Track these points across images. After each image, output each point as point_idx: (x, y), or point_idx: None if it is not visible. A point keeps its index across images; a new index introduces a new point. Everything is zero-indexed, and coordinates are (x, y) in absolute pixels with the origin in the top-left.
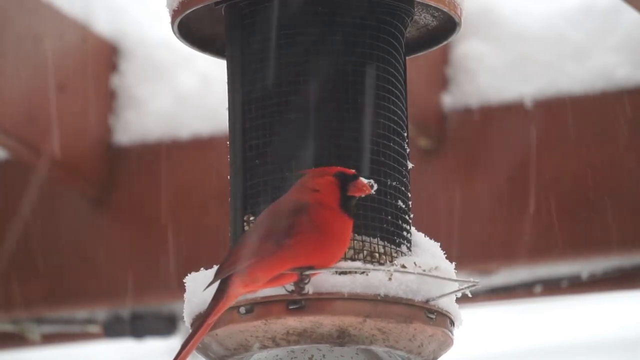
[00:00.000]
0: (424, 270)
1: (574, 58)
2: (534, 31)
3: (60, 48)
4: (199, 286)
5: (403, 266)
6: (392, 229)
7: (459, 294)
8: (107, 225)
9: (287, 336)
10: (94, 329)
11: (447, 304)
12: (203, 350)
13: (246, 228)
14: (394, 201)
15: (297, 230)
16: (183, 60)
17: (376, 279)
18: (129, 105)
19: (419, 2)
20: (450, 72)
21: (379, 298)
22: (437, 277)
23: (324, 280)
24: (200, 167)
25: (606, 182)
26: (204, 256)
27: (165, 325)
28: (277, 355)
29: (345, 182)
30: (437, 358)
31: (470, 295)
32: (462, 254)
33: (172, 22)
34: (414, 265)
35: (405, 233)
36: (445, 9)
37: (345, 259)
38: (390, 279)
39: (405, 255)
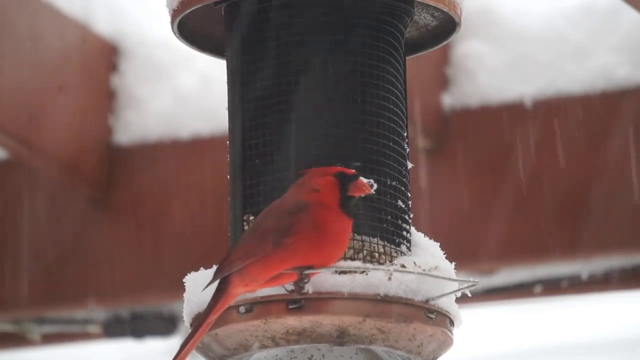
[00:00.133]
0: (424, 270)
1: (574, 58)
2: (534, 31)
3: (60, 48)
4: (198, 286)
5: (403, 266)
6: (392, 228)
7: (459, 294)
8: (107, 225)
9: (286, 336)
10: (94, 329)
11: (447, 303)
12: (203, 350)
13: (246, 228)
14: (393, 201)
15: (296, 229)
16: (183, 60)
17: (376, 279)
18: (129, 105)
19: (418, 2)
20: (450, 72)
21: (378, 298)
22: (436, 276)
23: (324, 279)
24: (200, 167)
25: (606, 182)
26: (203, 256)
27: (165, 325)
28: (276, 355)
29: (345, 182)
30: (436, 358)
31: (470, 295)
32: (462, 254)
33: (172, 22)
34: (413, 265)
35: (405, 233)
36: (445, 9)
37: (345, 258)
38: (390, 278)
39: (405, 255)
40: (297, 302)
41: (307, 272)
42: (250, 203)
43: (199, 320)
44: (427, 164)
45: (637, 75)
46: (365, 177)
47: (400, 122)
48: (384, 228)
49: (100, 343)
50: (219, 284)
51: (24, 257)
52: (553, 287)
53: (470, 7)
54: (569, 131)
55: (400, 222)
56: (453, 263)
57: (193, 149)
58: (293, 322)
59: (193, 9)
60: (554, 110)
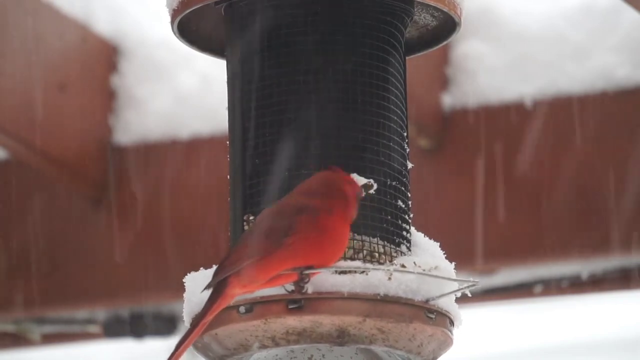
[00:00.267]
0: (424, 270)
1: (574, 58)
2: (534, 31)
3: (60, 48)
4: (198, 286)
5: (403, 266)
6: (392, 228)
7: (459, 294)
8: (107, 225)
9: (286, 336)
10: (94, 329)
11: (447, 303)
12: (203, 350)
13: (246, 228)
14: (393, 201)
15: (296, 229)
16: (183, 60)
17: (376, 279)
18: (129, 105)
19: (418, 2)
20: (450, 72)
21: (378, 298)
22: (436, 276)
23: (324, 279)
24: (200, 167)
25: (606, 181)
26: (203, 256)
27: (165, 325)
28: (276, 355)
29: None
30: (436, 358)
31: (470, 295)
32: (462, 254)
33: (172, 22)
34: (413, 264)
35: (405, 233)
36: (445, 9)
37: (345, 258)
38: (389, 278)
39: (405, 255)
40: (297, 302)
41: (307, 272)
42: (250, 203)
43: (195, 320)
44: (427, 164)
45: (637, 75)
46: (365, 177)
47: (400, 122)
48: (384, 228)
49: (100, 343)
50: (217, 284)
51: (24, 257)
52: (553, 287)
53: (470, 7)
54: (569, 131)
55: (400, 222)
56: (453, 263)
57: (193, 149)
58: (293, 322)
59: (193, 8)
60: (554, 110)
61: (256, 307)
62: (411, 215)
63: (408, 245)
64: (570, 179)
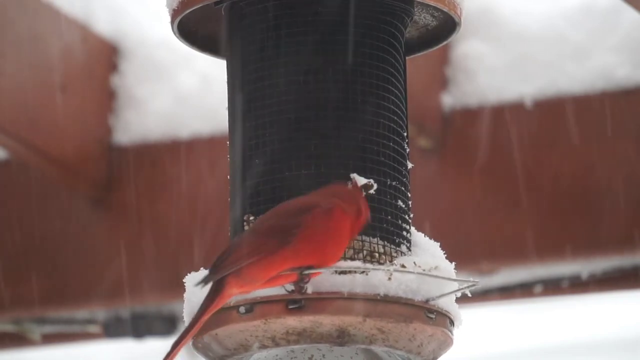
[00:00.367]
0: (424, 270)
1: (574, 58)
2: (534, 31)
3: (60, 48)
4: (198, 286)
5: (403, 266)
6: (392, 228)
7: (459, 294)
8: (107, 225)
9: (286, 336)
10: (94, 329)
11: (447, 303)
12: (203, 351)
13: (246, 228)
14: (393, 201)
15: (303, 227)
16: (183, 60)
17: (376, 279)
18: (129, 105)
19: (418, 2)
20: (450, 72)
21: (378, 298)
22: (436, 276)
23: (324, 279)
24: (200, 167)
25: (606, 182)
26: (203, 256)
27: (165, 325)
28: (276, 355)
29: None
30: (436, 358)
31: (470, 295)
32: (462, 254)
33: (172, 22)
34: (413, 265)
35: (405, 233)
36: (445, 9)
37: (345, 258)
38: (390, 278)
39: (405, 255)
40: (297, 302)
41: (307, 272)
42: (250, 203)
43: (192, 320)
44: (427, 164)
45: (637, 75)
46: (365, 177)
47: (400, 122)
48: (384, 228)
49: (100, 343)
50: (214, 284)
51: (24, 257)
52: (553, 287)
53: (470, 7)
54: (569, 131)
55: (400, 222)
56: (453, 263)
57: (193, 149)
58: (293, 322)
59: (193, 9)
60: (554, 110)
61: (256, 307)
62: (411, 215)
63: (408, 245)
64: (570, 178)
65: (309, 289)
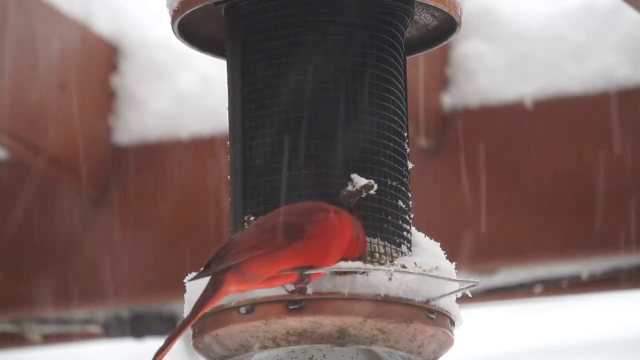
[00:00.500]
0: (424, 270)
1: (574, 58)
2: (534, 31)
3: (60, 48)
4: (199, 286)
5: (403, 266)
6: (393, 229)
7: (459, 294)
8: (107, 225)
9: (287, 336)
10: (94, 329)
11: (448, 303)
12: (204, 351)
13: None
14: (394, 201)
15: (315, 225)
16: (183, 60)
17: (376, 279)
18: (129, 105)
19: (419, 2)
20: (450, 72)
21: (379, 298)
22: (437, 277)
23: (324, 280)
24: (200, 167)
25: (606, 182)
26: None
27: (165, 325)
28: (277, 356)
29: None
30: (437, 358)
31: (470, 295)
32: (462, 254)
33: (172, 22)
34: (414, 265)
35: (405, 233)
36: (445, 9)
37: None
38: (390, 279)
39: (406, 255)
40: (297, 303)
41: (307, 272)
42: (250, 203)
43: (188, 315)
44: (427, 164)
45: (637, 75)
46: (366, 178)
47: (401, 122)
48: (384, 228)
49: (100, 343)
50: (212, 280)
51: (23, 256)
52: (553, 287)
53: (470, 7)
54: (569, 131)
55: (400, 222)
56: (454, 263)
57: (193, 149)
58: (294, 322)
59: (193, 9)
60: (554, 110)
61: (257, 308)
62: (412, 216)
63: (409, 245)
64: (570, 178)
65: (310, 289)
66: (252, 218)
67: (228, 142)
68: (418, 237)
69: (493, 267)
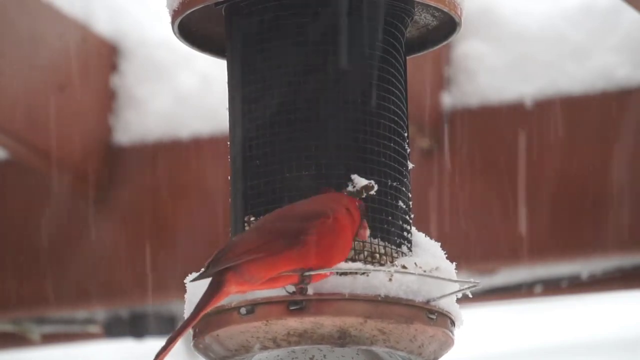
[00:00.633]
0: (425, 271)
1: (574, 58)
2: (534, 31)
3: (60, 48)
4: (199, 286)
5: (404, 267)
6: (393, 229)
7: (460, 295)
8: (107, 225)
9: (287, 337)
10: (94, 329)
11: (448, 304)
12: (204, 351)
13: (247, 228)
14: (394, 201)
15: (311, 233)
16: (183, 60)
17: (377, 280)
18: (129, 105)
19: (419, 2)
20: (450, 72)
21: (379, 299)
22: (437, 277)
23: (325, 281)
24: (200, 167)
25: (606, 182)
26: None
27: (165, 325)
28: (277, 356)
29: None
30: (437, 358)
31: (470, 295)
32: (462, 254)
33: (173, 23)
34: (414, 265)
35: (405, 233)
36: (446, 9)
37: (346, 259)
38: (390, 279)
39: (406, 255)
40: (298, 304)
41: (307, 274)
42: (251, 204)
43: (189, 316)
44: (427, 164)
45: (637, 75)
46: (366, 178)
47: (401, 122)
48: (384, 229)
49: (100, 343)
50: (213, 281)
51: (23, 256)
52: (553, 287)
53: (470, 7)
54: (569, 131)
55: (401, 222)
56: (454, 263)
57: (193, 149)
58: (294, 323)
59: (194, 9)
60: (554, 110)
61: (257, 309)
62: (412, 216)
63: (409, 245)
64: (570, 178)
65: (310, 290)
66: (252, 219)
67: (228, 142)
68: (418, 237)
69: (493, 267)
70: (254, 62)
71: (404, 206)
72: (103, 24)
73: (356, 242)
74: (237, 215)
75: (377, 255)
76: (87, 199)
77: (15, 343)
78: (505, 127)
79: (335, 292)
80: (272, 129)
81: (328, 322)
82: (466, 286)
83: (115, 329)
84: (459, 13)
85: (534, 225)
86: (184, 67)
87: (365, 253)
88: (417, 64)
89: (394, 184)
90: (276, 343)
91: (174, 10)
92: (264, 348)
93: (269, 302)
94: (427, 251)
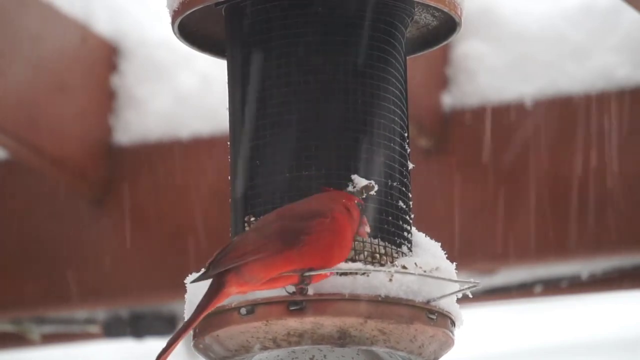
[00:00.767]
0: (425, 271)
1: (574, 58)
2: (534, 31)
3: (60, 48)
4: (199, 286)
5: (404, 267)
6: (393, 229)
7: (460, 295)
8: (107, 225)
9: (288, 337)
10: (94, 329)
11: (448, 304)
12: (204, 352)
13: (247, 228)
14: (394, 202)
15: (312, 231)
16: (183, 60)
17: (377, 280)
18: (129, 105)
19: (419, 2)
20: (450, 72)
21: (379, 299)
22: (437, 278)
23: (325, 281)
24: (200, 167)
25: (606, 182)
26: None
27: (165, 325)
28: (278, 356)
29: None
30: (438, 358)
31: (470, 295)
32: (462, 254)
33: (173, 23)
34: (414, 265)
35: (406, 233)
36: (446, 9)
37: (347, 260)
38: (391, 279)
39: (406, 255)
40: (298, 304)
41: (307, 274)
42: (251, 204)
43: (190, 317)
44: (427, 164)
45: (637, 75)
46: (366, 178)
47: (401, 122)
48: (385, 229)
49: (100, 343)
50: (214, 282)
51: (23, 257)
52: (553, 287)
53: (470, 7)
54: (569, 131)
55: (401, 222)
56: (454, 263)
57: (193, 149)
58: (294, 323)
59: (194, 9)
60: (554, 110)
61: (257, 309)
62: (412, 216)
63: (409, 245)
64: (570, 178)
65: (310, 290)
66: (252, 219)
67: (228, 142)
68: (418, 237)
69: (493, 267)
70: (254, 62)
71: (404, 206)
72: (103, 24)
73: (356, 242)
74: (237, 216)
75: (378, 256)
76: (87, 199)
77: (15, 343)
78: (505, 127)
79: (336, 293)
80: (272, 129)
81: (328, 323)
82: (466, 286)
83: (115, 329)
84: (459, 13)
85: (534, 225)
86: (184, 67)
87: (366, 253)
88: (417, 64)
89: (394, 184)
90: (276, 343)
91: (174, 10)
92: (264, 348)
93: (269, 302)
94: (427, 251)
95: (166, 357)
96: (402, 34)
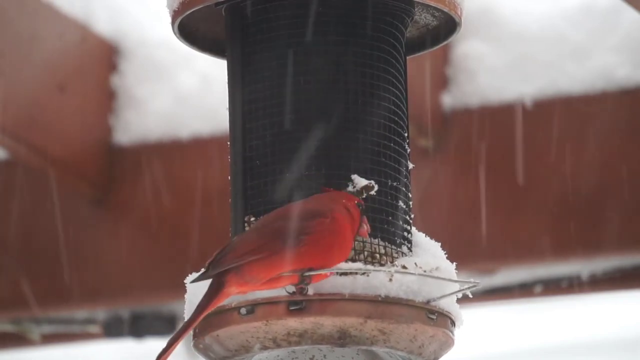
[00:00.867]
0: (425, 271)
1: (574, 58)
2: (534, 31)
3: (60, 48)
4: (199, 286)
5: (404, 267)
6: (393, 229)
7: (460, 295)
8: (107, 225)
9: (288, 337)
10: (94, 329)
11: (448, 304)
12: (204, 351)
13: (247, 228)
14: (394, 201)
15: (312, 231)
16: (183, 60)
17: (377, 280)
18: (129, 105)
19: (419, 2)
20: (450, 72)
21: (379, 299)
22: (437, 278)
23: (325, 281)
24: (200, 167)
25: (606, 181)
26: (204, 256)
27: (165, 325)
28: (278, 356)
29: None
30: (437, 358)
31: (470, 295)
32: (462, 254)
33: (173, 23)
34: (414, 265)
35: (406, 233)
36: (446, 9)
37: (347, 260)
38: (390, 279)
39: (406, 255)
40: (298, 304)
41: (307, 274)
42: (251, 204)
43: (190, 317)
44: (427, 164)
45: (637, 75)
46: (366, 178)
47: (401, 122)
48: (385, 229)
49: (100, 343)
50: (214, 282)
51: (24, 256)
52: (553, 287)
53: (470, 7)
54: (568, 131)
55: (401, 222)
56: (454, 263)
57: (193, 149)
58: (294, 323)
59: (194, 9)
60: (554, 110)
61: (257, 309)
62: (412, 216)
63: (409, 245)
64: (570, 178)
65: (310, 290)
66: (252, 219)
67: (228, 142)
68: (418, 237)
69: (493, 267)
70: (254, 62)
71: (404, 206)
72: (103, 24)
73: (356, 242)
74: (237, 215)
75: (377, 256)
76: (87, 199)
77: (15, 343)
78: (505, 127)
79: (335, 292)
80: (272, 129)
81: (328, 322)
82: (466, 286)
83: (115, 329)
84: (459, 13)
85: (534, 225)
86: (184, 67)
87: (366, 253)
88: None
89: (394, 184)
90: (276, 343)
91: (174, 11)
92: (264, 348)
93: (269, 302)
94: (427, 251)
95: (166, 357)
96: (402, 34)
